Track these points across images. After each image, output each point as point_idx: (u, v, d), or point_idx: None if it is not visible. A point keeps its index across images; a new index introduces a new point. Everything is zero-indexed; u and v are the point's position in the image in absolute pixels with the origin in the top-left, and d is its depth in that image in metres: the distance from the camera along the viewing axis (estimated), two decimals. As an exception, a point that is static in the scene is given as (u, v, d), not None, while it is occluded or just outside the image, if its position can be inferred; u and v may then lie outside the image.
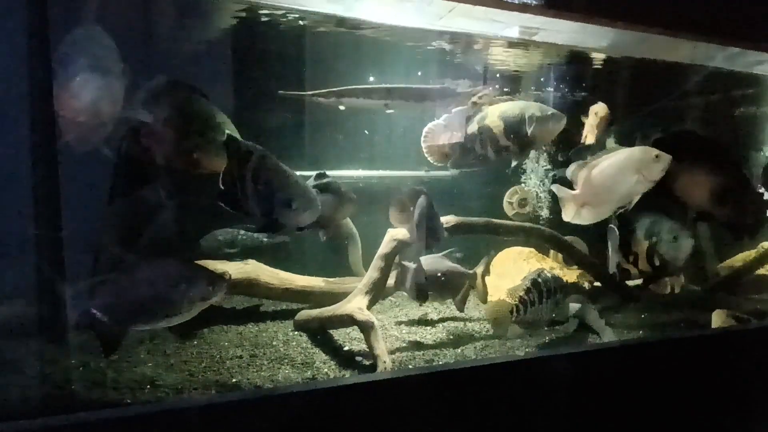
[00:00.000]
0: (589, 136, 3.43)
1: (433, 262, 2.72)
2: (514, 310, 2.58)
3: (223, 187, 2.14)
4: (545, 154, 3.89)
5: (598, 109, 3.47)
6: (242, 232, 2.87)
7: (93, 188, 2.32)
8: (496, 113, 3.08)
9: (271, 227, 2.17)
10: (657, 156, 2.59)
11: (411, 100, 2.77)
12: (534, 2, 2.27)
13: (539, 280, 2.64)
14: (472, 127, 3.12)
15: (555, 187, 2.84)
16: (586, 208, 2.67)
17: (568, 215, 2.74)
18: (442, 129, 3.18)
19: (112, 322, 1.91)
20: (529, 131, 2.96)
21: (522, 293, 2.61)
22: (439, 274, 2.69)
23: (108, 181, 2.29)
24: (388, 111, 2.78)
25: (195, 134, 2.13)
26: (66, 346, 2.15)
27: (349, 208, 2.48)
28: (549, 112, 2.98)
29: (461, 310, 2.78)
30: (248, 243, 2.89)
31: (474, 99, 2.88)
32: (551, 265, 3.72)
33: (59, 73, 1.82)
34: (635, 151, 2.67)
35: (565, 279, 2.97)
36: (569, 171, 2.83)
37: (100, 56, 1.87)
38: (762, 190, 3.66)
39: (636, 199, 2.64)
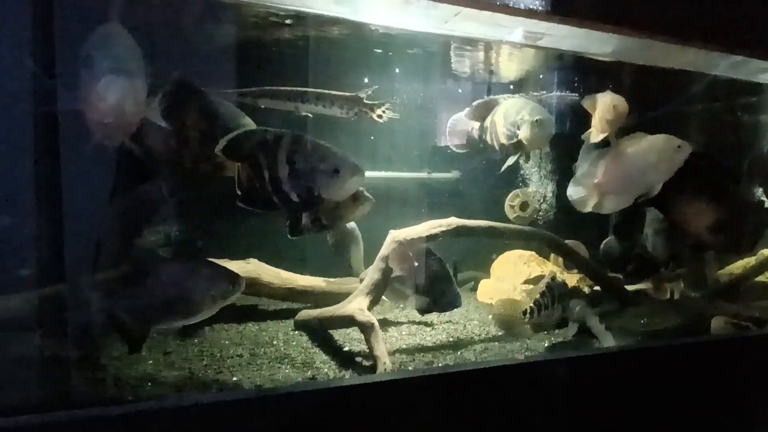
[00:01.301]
0: (595, 132, 2.90)
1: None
2: (528, 312, 2.59)
3: (241, 189, 2.15)
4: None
5: (618, 103, 2.79)
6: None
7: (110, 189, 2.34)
8: (501, 110, 3.08)
9: (312, 203, 2.16)
10: (679, 146, 2.58)
11: (320, 104, 2.82)
12: (539, 8, 2.28)
13: (553, 284, 2.66)
14: (487, 120, 3.13)
15: (574, 181, 2.76)
16: (607, 197, 2.64)
17: (589, 206, 2.70)
18: (463, 119, 3.22)
19: (136, 320, 1.93)
20: (519, 134, 2.95)
21: (537, 296, 2.62)
22: None
23: (126, 182, 2.32)
24: (305, 113, 2.84)
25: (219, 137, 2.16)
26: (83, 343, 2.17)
27: (367, 207, 2.50)
28: (536, 117, 2.91)
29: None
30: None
31: (380, 111, 2.89)
32: (551, 269, 3.72)
33: (84, 74, 1.83)
34: (657, 140, 2.64)
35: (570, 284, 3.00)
36: (580, 160, 2.77)
37: (123, 57, 1.88)
38: (762, 196, 3.67)
39: (658, 187, 2.59)
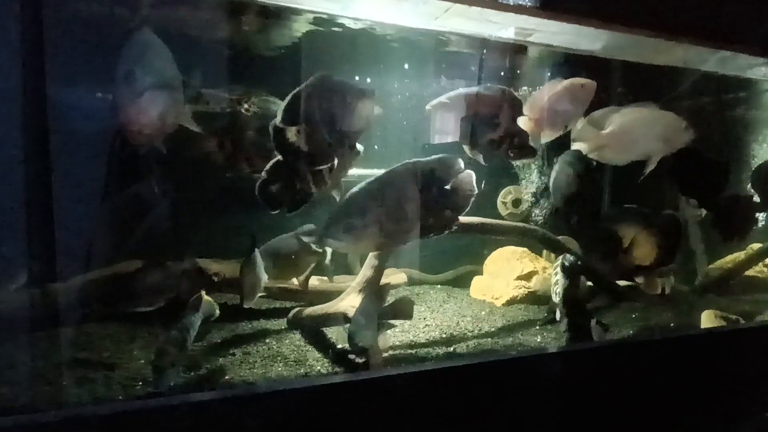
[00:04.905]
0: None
1: (280, 240, 2.74)
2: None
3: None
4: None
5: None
6: None
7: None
8: None
9: (343, 140, 2.18)
10: (686, 127, 2.67)
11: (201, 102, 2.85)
12: (529, 3, 2.29)
13: (567, 262, 2.72)
14: None
15: (578, 131, 2.75)
16: (607, 150, 2.69)
17: (586, 150, 2.73)
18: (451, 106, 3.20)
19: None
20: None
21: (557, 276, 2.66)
22: (285, 253, 2.72)
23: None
24: None
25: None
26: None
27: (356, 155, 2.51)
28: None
29: (305, 289, 2.80)
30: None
31: (246, 105, 2.88)
32: (544, 265, 3.74)
33: (123, 86, 1.89)
34: (667, 115, 2.73)
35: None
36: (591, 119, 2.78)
37: (161, 68, 1.94)
38: (752, 192, 3.70)
39: (655, 160, 2.67)
